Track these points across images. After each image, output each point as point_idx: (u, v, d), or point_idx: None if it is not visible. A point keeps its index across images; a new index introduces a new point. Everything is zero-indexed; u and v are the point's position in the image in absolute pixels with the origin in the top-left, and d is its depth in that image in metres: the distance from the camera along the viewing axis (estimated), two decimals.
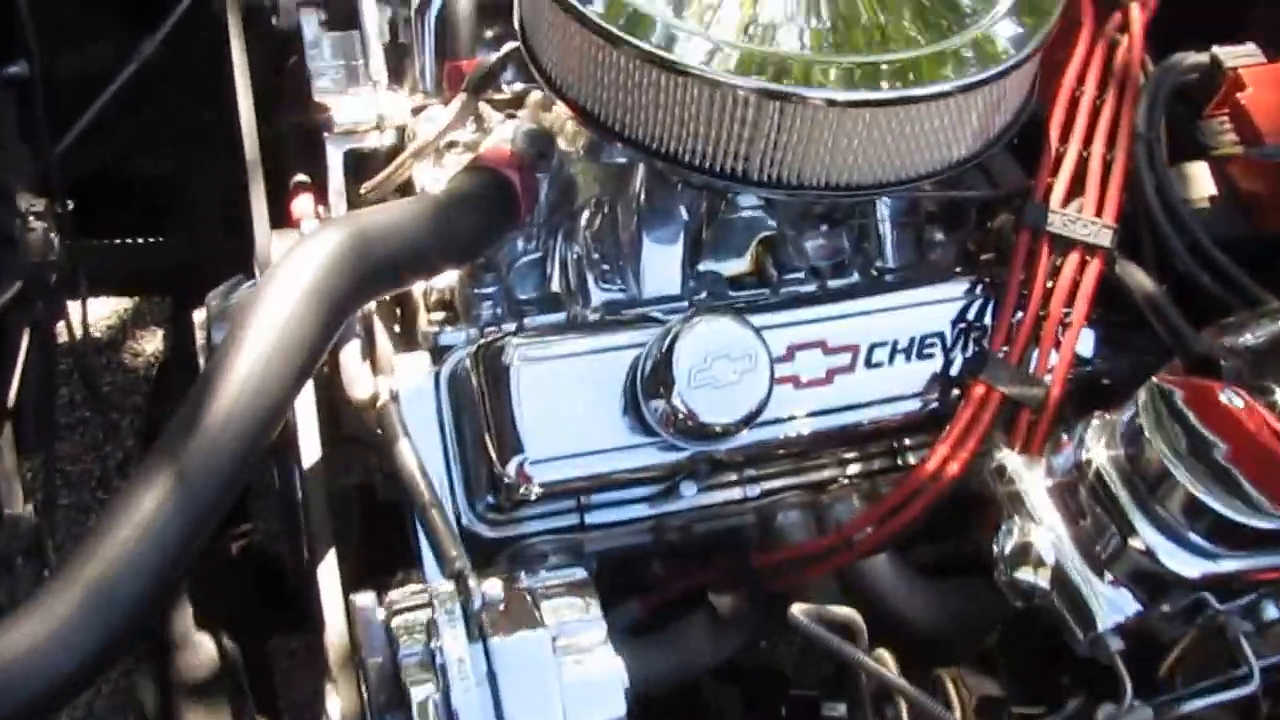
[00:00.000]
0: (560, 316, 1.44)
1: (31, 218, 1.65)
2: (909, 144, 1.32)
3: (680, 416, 1.27)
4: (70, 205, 2.10)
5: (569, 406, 1.33)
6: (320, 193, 1.63)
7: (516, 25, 1.45)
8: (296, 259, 1.20)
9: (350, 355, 1.46)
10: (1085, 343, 1.44)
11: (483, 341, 1.36)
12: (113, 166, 2.19)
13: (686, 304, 1.45)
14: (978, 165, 1.45)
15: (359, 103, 1.63)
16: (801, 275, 1.50)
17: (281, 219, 1.61)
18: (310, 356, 1.18)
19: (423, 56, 1.67)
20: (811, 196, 1.35)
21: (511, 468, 1.31)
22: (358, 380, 1.41)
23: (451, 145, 1.56)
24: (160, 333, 2.86)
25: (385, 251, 1.26)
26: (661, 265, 1.46)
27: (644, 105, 1.30)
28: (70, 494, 2.56)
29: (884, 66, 1.29)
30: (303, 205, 1.63)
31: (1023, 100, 1.43)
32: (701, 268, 1.48)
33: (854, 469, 1.47)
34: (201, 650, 1.73)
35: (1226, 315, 1.36)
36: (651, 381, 1.29)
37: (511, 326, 1.42)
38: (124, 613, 1.01)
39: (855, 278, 1.51)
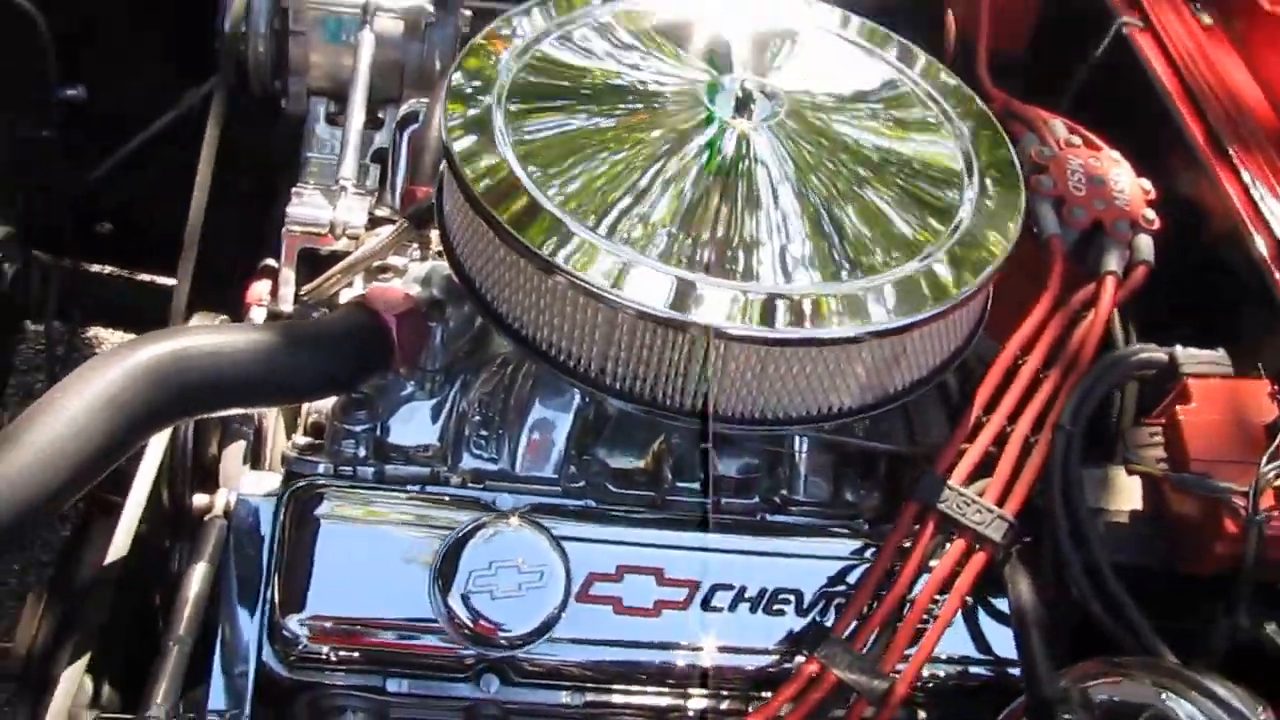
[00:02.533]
0: (425, 472, 1.37)
1: None
2: (789, 384, 1.22)
3: (454, 617, 1.19)
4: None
5: (373, 572, 1.27)
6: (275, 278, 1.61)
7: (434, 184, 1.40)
8: (102, 365, 1.16)
9: (231, 456, 1.43)
10: (952, 643, 1.29)
11: (299, 485, 1.30)
12: (134, 205, 2.22)
13: (559, 490, 1.36)
14: (900, 412, 1.33)
15: (317, 203, 1.60)
16: (696, 487, 1.39)
17: None
18: (84, 461, 1.12)
19: (397, 173, 1.64)
20: (681, 422, 1.26)
21: (292, 620, 1.24)
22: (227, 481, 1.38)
23: (385, 269, 1.51)
24: None
25: (205, 375, 1.20)
26: (542, 444, 1.39)
27: (527, 303, 1.25)
28: None
29: (779, 301, 1.20)
30: (256, 290, 1.61)
31: (941, 358, 1.31)
32: (593, 454, 1.39)
33: (698, 705, 1.35)
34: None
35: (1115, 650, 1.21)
36: (439, 574, 1.21)
37: (369, 471, 1.36)
38: None
39: (756, 501, 1.40)
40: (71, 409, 1.12)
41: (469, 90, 1.37)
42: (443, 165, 1.36)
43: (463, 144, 1.30)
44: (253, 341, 1.26)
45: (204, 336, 1.23)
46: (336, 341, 1.32)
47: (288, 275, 1.60)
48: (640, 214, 1.26)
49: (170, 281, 2.39)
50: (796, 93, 1.42)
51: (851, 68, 1.53)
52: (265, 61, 1.83)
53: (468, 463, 1.37)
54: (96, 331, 2.67)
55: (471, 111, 1.33)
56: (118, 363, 1.16)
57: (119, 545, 1.38)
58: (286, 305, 1.59)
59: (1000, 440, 1.31)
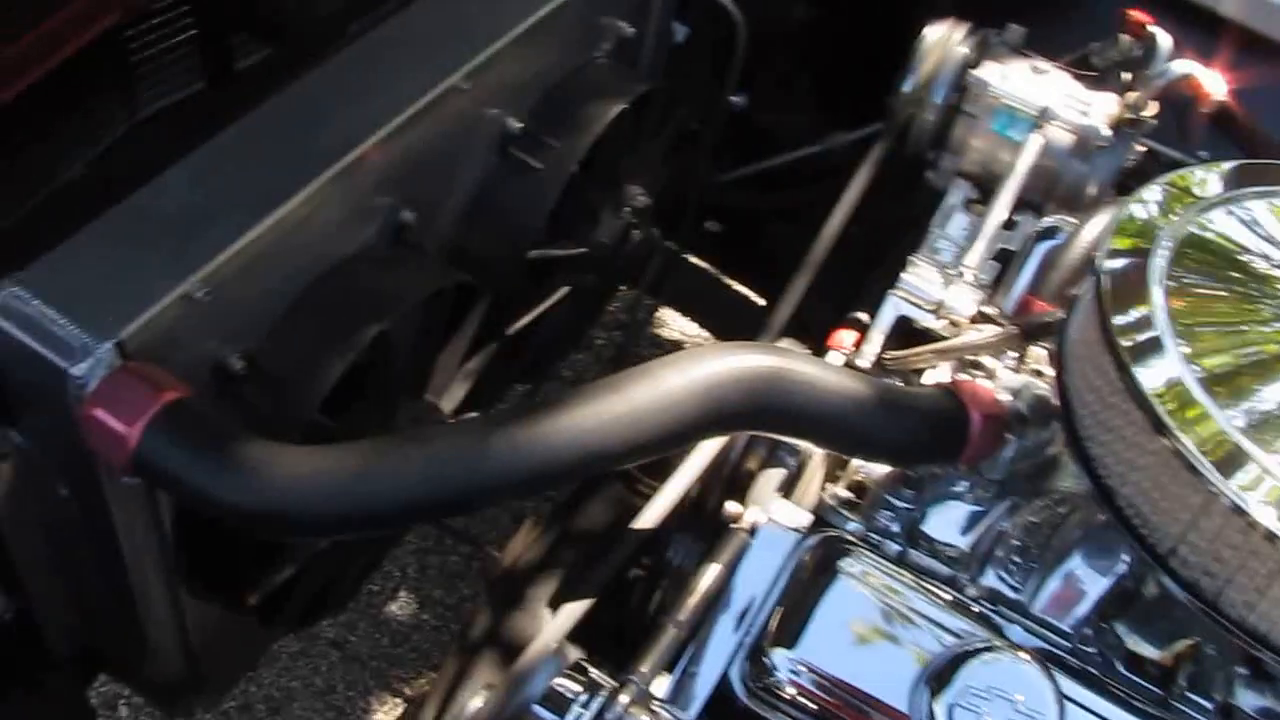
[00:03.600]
0: (946, 572, 1.37)
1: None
2: None
3: None
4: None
5: (868, 643, 1.27)
6: (864, 331, 1.65)
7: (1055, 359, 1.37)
8: (710, 356, 1.23)
9: (766, 479, 1.48)
10: None
11: (834, 534, 1.32)
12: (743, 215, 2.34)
13: (1069, 645, 1.32)
14: None
15: (930, 278, 1.62)
16: (1208, 705, 1.31)
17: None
18: (665, 432, 1.20)
19: (1017, 279, 1.63)
20: (1229, 634, 1.19)
21: (777, 654, 1.27)
22: (754, 501, 1.42)
23: (977, 366, 1.51)
24: None
25: (793, 401, 1.25)
26: (1070, 595, 1.34)
27: (1125, 457, 1.22)
28: None
29: None
30: (841, 337, 1.66)
31: None
32: (1115, 625, 1.34)
33: None
34: None
35: None
36: (934, 676, 1.19)
37: (895, 548, 1.37)
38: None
39: None
40: (671, 383, 1.19)
41: (1131, 232, 1.34)
42: (1080, 293, 1.34)
43: (1114, 283, 1.27)
44: (843, 386, 1.29)
45: (805, 365, 1.27)
46: (918, 416, 1.33)
47: (877, 335, 1.63)
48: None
49: (745, 291, 2.52)
50: None
51: None
52: (929, 130, 1.86)
53: (989, 580, 1.35)
54: (669, 313, 2.83)
55: (1129, 257, 1.30)
56: (725, 359, 1.23)
57: (648, 518, 1.45)
58: (864, 361, 1.61)
59: None
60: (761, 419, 1.25)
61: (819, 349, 1.65)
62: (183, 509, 1.35)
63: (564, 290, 1.83)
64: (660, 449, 1.20)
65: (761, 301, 2.50)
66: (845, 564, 1.30)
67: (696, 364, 1.21)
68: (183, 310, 1.22)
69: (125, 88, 1.77)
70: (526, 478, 1.14)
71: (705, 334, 2.86)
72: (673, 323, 3.00)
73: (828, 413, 1.27)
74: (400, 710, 2.43)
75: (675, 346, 3.04)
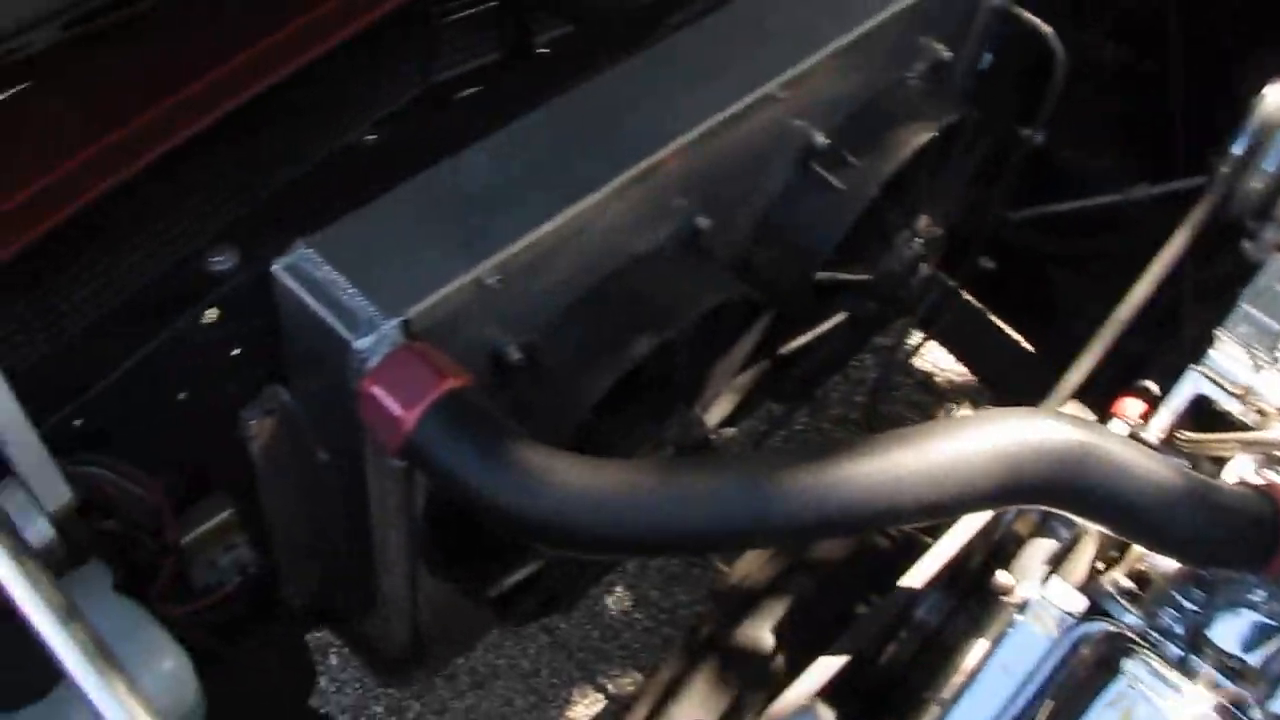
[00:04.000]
0: (1230, 687, 1.25)
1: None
2: None
3: None
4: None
5: None
6: (1152, 403, 1.54)
7: None
8: (1014, 422, 1.14)
9: (1035, 549, 1.39)
10: None
11: (1115, 628, 1.22)
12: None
13: None
14: None
15: (1238, 357, 1.50)
16: None
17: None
18: (954, 500, 1.12)
19: None
20: None
21: None
22: (1019, 572, 1.33)
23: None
24: None
25: (1099, 483, 1.15)
26: None
27: None
28: None
29: None
30: (1128, 405, 1.55)
31: None
32: None
33: None
34: None
35: None
36: None
37: (1175, 652, 1.26)
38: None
39: None
40: (972, 446, 1.11)
41: None
42: None
43: None
44: (1153, 473, 1.18)
45: (1114, 445, 1.17)
46: (1227, 517, 1.22)
47: (1169, 411, 1.52)
48: None
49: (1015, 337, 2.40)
50: None
51: None
52: (1255, 198, 1.73)
53: (1276, 708, 1.23)
54: (930, 345, 2.72)
55: None
56: (1030, 427, 1.14)
57: (914, 578, 1.37)
58: (1152, 436, 1.50)
59: None
60: (1062, 496, 1.16)
61: (1099, 411, 1.55)
62: (439, 495, 1.33)
63: (842, 315, 1.75)
64: (951, 513, 1.13)
65: (1029, 347, 2.38)
66: (1129, 665, 1.19)
67: (1000, 429, 1.13)
68: (472, 295, 1.19)
69: (424, 52, 1.77)
70: (812, 525, 1.07)
71: (965, 372, 2.75)
72: (933, 356, 2.90)
73: (1134, 501, 1.17)
74: (600, 706, 2.40)
75: (933, 381, 2.94)
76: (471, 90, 1.74)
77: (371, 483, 1.31)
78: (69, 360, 1.28)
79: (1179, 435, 1.50)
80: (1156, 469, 1.18)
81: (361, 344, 1.14)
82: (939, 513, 1.11)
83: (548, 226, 1.23)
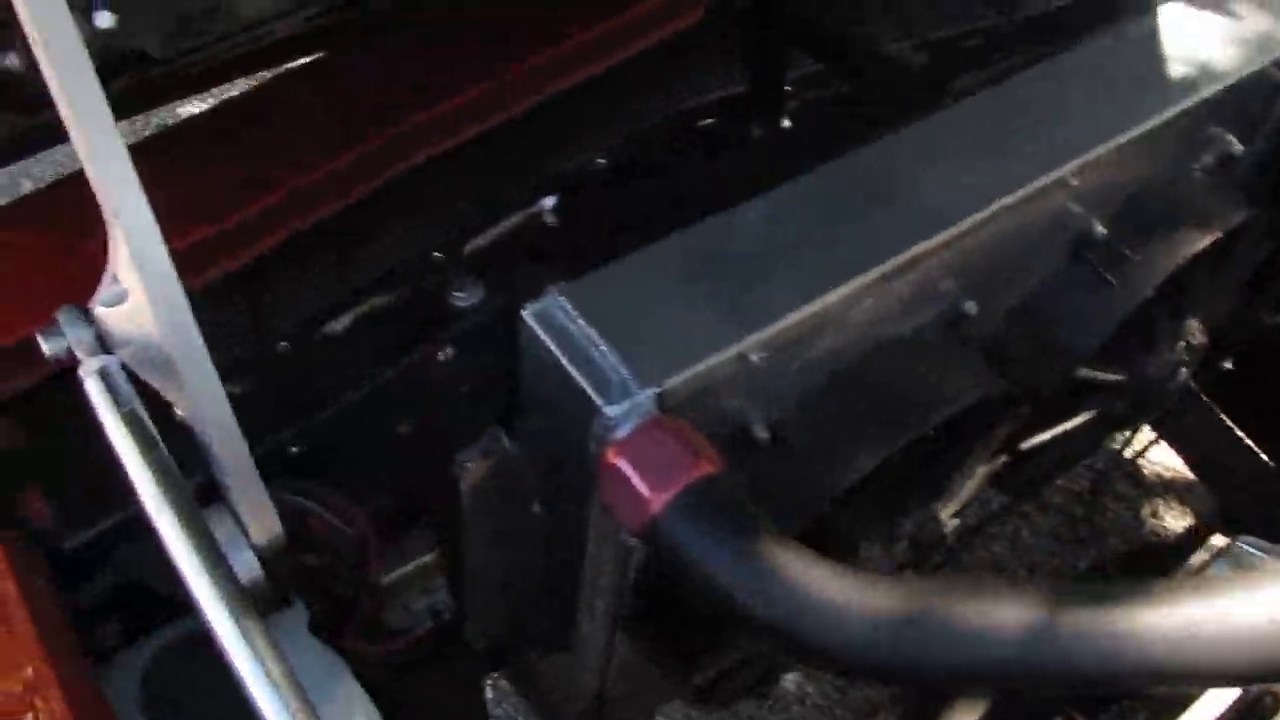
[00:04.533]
0: None
1: None
2: None
3: None
4: None
5: None
6: None
7: None
8: None
9: None
10: None
11: None
12: None
13: None
14: None
15: None
16: None
17: None
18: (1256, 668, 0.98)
19: None
20: None
21: None
22: None
23: None
24: None
25: None
26: None
27: None
28: None
29: None
30: None
31: None
32: None
33: None
34: None
35: None
36: None
37: None
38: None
39: None
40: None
41: None
42: None
43: None
44: None
45: None
46: None
47: None
48: None
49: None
50: None
51: None
52: None
53: None
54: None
55: None
56: None
57: None
58: None
59: None
60: None
61: None
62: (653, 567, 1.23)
63: (1090, 413, 1.62)
64: (1249, 682, 0.99)
65: (1265, 458, 2.20)
66: None
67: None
68: (733, 370, 1.10)
69: (665, 83, 1.71)
70: (1095, 675, 0.94)
71: (1191, 477, 2.57)
72: (1159, 455, 2.71)
73: None
74: None
75: (1141, 474, 2.77)
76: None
77: (591, 550, 1.22)
78: (292, 381, 1.22)
79: None
80: None
81: (611, 411, 1.05)
82: (1256, 676, 0.98)
83: (820, 303, 1.13)
